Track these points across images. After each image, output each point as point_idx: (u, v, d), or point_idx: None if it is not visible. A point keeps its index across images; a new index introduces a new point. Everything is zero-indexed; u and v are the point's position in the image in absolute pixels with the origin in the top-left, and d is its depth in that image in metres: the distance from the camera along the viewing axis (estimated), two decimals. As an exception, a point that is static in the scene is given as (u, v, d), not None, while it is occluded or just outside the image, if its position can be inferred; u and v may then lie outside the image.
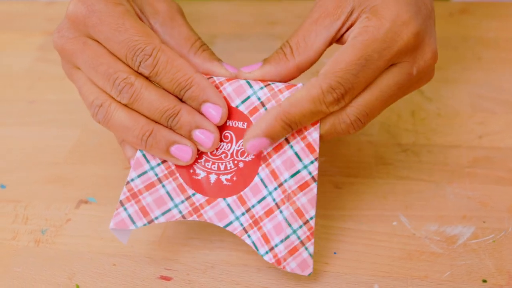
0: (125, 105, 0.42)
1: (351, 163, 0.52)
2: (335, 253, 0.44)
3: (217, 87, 0.44)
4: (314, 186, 0.42)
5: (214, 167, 0.44)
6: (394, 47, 0.40)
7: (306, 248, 0.41)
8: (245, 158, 0.43)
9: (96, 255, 0.46)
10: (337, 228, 0.46)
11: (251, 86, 0.44)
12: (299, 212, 0.42)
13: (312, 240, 0.41)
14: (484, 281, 0.42)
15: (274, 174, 0.42)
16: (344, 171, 0.51)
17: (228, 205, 0.43)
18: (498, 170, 0.50)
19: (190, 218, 0.43)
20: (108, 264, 0.45)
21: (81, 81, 0.44)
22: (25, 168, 0.55)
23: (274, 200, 0.42)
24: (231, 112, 0.44)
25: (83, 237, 0.47)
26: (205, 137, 0.42)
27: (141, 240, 0.47)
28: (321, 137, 0.42)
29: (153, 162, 0.44)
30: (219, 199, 0.43)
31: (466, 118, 0.55)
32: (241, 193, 0.43)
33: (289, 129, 0.41)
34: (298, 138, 0.42)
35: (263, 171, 0.43)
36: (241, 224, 0.42)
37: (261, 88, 0.43)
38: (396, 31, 0.40)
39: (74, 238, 0.48)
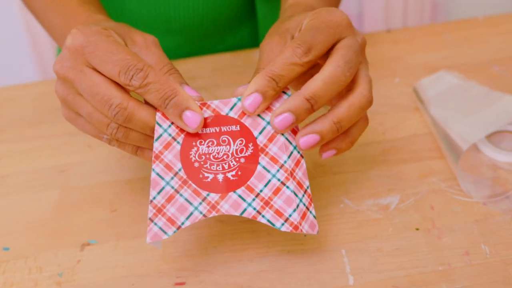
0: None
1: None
2: (305, 235, 0.57)
3: (204, 104, 0.52)
4: (303, 161, 0.52)
5: (219, 168, 0.51)
6: (334, 20, 0.52)
7: (310, 212, 0.51)
8: (244, 154, 0.51)
9: (115, 280, 0.54)
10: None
11: (238, 99, 0.53)
12: (299, 184, 0.51)
13: (312, 205, 0.51)
14: (417, 229, 0.57)
15: (273, 159, 0.51)
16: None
17: (239, 195, 0.50)
18: (402, 154, 0.66)
19: (211, 215, 0.50)
20: (128, 284, 0.54)
21: (85, 108, 0.52)
22: (20, 230, 0.60)
23: (279, 180, 0.50)
24: (223, 120, 0.52)
25: (98, 270, 0.55)
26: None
27: (148, 260, 0.55)
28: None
29: (167, 178, 0.50)
30: (230, 193, 0.50)
31: (369, 122, 0.70)
32: (248, 183, 0.50)
33: (274, 82, 0.50)
34: None
35: (263, 160, 0.51)
36: (254, 208, 0.50)
37: None
38: (331, 13, 0.53)
39: (91, 272, 0.55)
